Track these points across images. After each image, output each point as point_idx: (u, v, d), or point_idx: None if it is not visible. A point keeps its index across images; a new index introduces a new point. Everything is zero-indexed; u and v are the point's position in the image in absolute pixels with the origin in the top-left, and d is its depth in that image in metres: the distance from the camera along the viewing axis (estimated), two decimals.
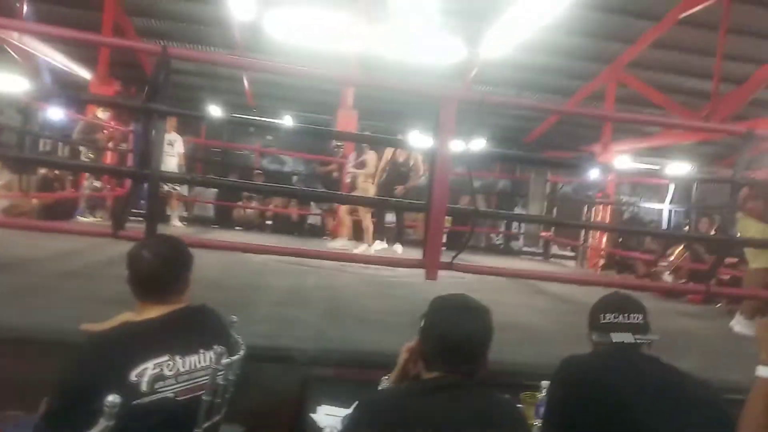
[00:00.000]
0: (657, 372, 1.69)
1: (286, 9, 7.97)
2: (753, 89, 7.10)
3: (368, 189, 6.50)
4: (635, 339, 1.76)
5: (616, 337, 1.76)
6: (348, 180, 6.63)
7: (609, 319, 1.80)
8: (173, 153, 6.83)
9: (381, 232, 6.95)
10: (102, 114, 6.85)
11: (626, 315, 1.80)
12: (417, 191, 6.80)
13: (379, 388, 1.78)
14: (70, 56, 8.61)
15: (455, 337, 1.52)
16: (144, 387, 1.54)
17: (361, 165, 6.63)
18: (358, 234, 7.33)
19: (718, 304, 5.57)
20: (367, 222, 6.66)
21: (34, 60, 8.71)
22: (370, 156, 6.64)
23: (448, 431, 1.40)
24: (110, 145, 7.51)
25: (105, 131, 7.16)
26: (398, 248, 6.69)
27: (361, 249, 6.19)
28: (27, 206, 5.86)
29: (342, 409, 1.95)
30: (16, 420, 2.00)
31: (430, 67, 9.54)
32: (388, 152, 6.80)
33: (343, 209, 6.93)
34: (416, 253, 3.27)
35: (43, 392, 1.69)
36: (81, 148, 7.21)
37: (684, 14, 7.43)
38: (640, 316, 1.81)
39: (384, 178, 6.75)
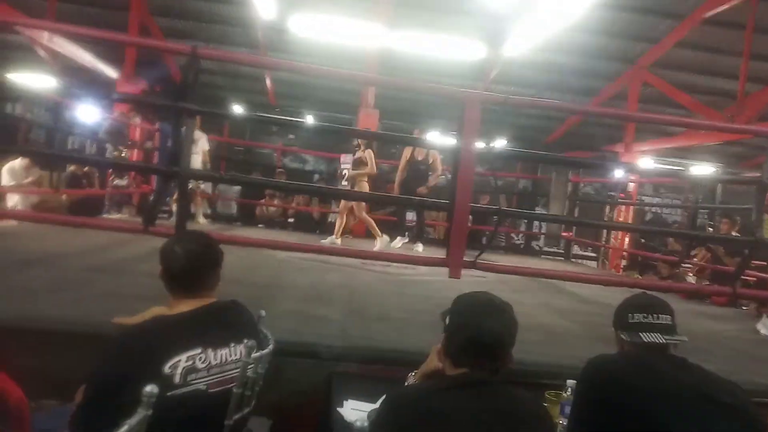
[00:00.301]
0: (685, 374, 1.67)
1: (309, 9, 8.04)
2: None
3: (364, 188, 6.47)
4: (665, 339, 1.75)
5: (647, 337, 1.75)
6: (345, 180, 6.57)
7: (638, 318, 1.79)
8: (197, 150, 6.90)
9: (402, 229, 6.97)
10: (131, 113, 6.95)
11: (655, 315, 1.79)
12: (436, 190, 6.81)
13: (406, 384, 1.81)
14: (97, 55, 8.77)
15: (482, 334, 1.54)
16: (177, 379, 1.58)
17: (357, 163, 6.60)
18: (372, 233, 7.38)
19: (744, 307, 5.50)
20: (365, 217, 6.67)
21: (63, 59, 8.88)
22: (368, 154, 6.63)
23: (473, 428, 1.41)
24: (138, 143, 7.63)
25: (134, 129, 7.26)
26: (419, 247, 6.70)
27: (378, 246, 6.20)
28: (56, 202, 5.99)
29: (367, 404, 1.98)
30: (52, 409, 2.06)
31: (452, 66, 9.55)
32: (407, 151, 6.82)
33: (342, 207, 6.86)
34: (436, 252, 3.30)
35: (76, 383, 1.74)
36: (107, 146, 7.35)
37: (709, 13, 7.34)
38: (669, 317, 1.80)
39: (405, 176, 6.78)
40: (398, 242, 6.62)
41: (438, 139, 11.01)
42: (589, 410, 1.72)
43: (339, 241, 6.65)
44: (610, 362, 1.78)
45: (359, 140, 6.65)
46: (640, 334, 1.76)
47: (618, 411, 1.63)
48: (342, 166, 6.73)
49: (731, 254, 5.99)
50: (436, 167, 6.75)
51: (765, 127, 6.23)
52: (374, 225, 6.56)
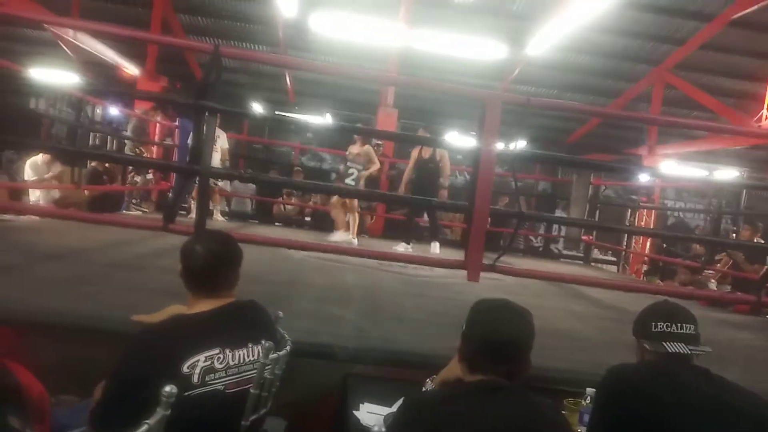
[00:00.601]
0: (706, 386, 1.64)
1: (329, 7, 8.05)
2: None
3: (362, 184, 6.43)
4: (689, 350, 1.71)
5: (670, 347, 1.71)
6: (351, 178, 6.52)
7: (661, 328, 1.75)
8: (216, 148, 6.94)
9: (411, 233, 6.79)
10: (154, 111, 7.02)
11: (679, 324, 1.75)
12: (450, 190, 6.67)
13: (424, 389, 1.79)
14: (119, 52, 8.87)
15: (499, 339, 1.52)
16: (196, 379, 1.58)
17: (358, 159, 6.54)
18: (389, 232, 7.35)
19: None
20: (356, 215, 6.63)
21: (86, 55, 9.00)
22: (367, 150, 6.57)
23: None
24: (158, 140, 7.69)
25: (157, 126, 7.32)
26: (436, 247, 6.60)
27: (399, 248, 6.15)
28: (77, 198, 6.06)
29: (383, 407, 1.97)
30: (71, 405, 2.08)
31: (472, 66, 9.50)
32: (415, 151, 6.73)
33: (335, 203, 6.80)
34: (453, 253, 3.28)
35: (95, 378, 1.75)
36: (127, 143, 7.41)
37: (737, 15, 7.20)
38: (692, 327, 1.76)
39: (412, 176, 6.68)
40: (401, 247, 6.43)
41: (457, 139, 11.02)
42: (607, 419, 1.70)
43: (356, 240, 6.63)
44: (630, 371, 1.75)
45: (357, 136, 6.60)
46: (664, 343, 1.73)
47: (637, 422, 1.61)
48: (348, 165, 6.67)
49: (751, 261, 5.88)
50: (445, 166, 6.58)
51: None
52: (357, 225, 6.64)
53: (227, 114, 6.09)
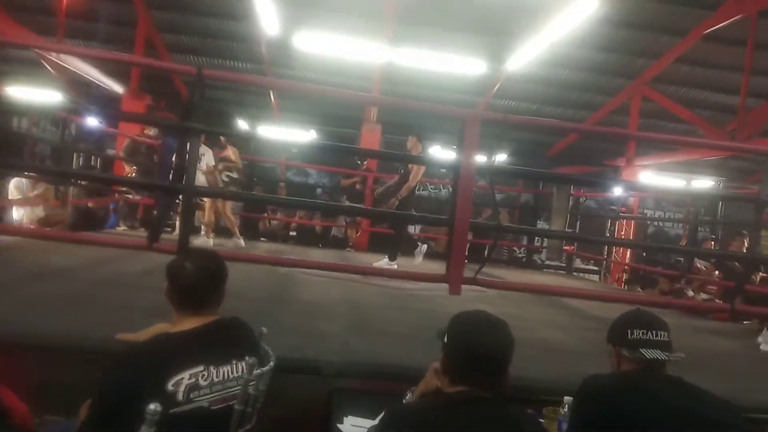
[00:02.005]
0: (680, 397, 1.68)
1: (312, 26, 8.13)
2: None
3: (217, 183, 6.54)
4: (665, 356, 1.76)
5: (648, 353, 1.76)
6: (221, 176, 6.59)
7: (638, 335, 1.80)
8: (202, 167, 6.96)
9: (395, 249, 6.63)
10: (152, 131, 7.02)
11: (654, 332, 1.80)
12: (412, 200, 6.42)
13: (404, 401, 1.83)
14: (103, 71, 8.87)
15: (480, 351, 1.56)
16: (180, 396, 1.61)
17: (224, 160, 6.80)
18: (374, 246, 7.33)
19: (746, 322, 5.50)
20: (229, 216, 6.70)
21: (70, 74, 8.99)
22: (232, 151, 6.87)
23: None
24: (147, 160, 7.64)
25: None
26: (419, 257, 6.58)
27: (380, 262, 6.14)
28: (61, 216, 6.04)
29: (367, 420, 2.00)
30: (56, 425, 2.09)
31: (454, 81, 9.63)
32: (417, 167, 6.58)
33: (207, 205, 6.75)
34: (437, 266, 3.32)
35: (81, 398, 1.76)
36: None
37: (709, 30, 7.41)
38: (666, 334, 1.81)
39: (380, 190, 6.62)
40: (384, 263, 6.26)
41: (440, 152, 11.12)
42: (583, 428, 1.74)
43: (241, 241, 6.80)
44: (605, 381, 1.78)
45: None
46: (641, 350, 1.77)
47: (608, 428, 1.65)
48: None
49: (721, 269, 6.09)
50: (405, 178, 6.18)
51: (764, 143, 6.28)
52: (235, 224, 6.80)
53: (213, 133, 6.13)
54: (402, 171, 6.21)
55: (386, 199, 6.11)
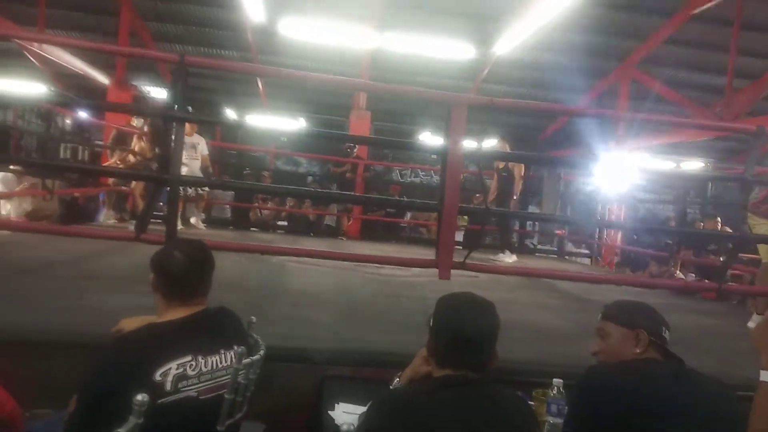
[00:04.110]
0: (683, 388, 1.66)
1: (298, 12, 8.06)
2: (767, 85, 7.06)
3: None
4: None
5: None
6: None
7: (666, 335, 1.81)
8: (197, 155, 6.93)
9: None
10: (136, 122, 6.94)
11: (668, 332, 1.81)
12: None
13: (391, 386, 1.83)
14: (87, 62, 8.77)
15: (465, 331, 1.56)
16: (168, 386, 1.60)
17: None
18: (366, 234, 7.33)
19: (735, 301, 5.55)
20: (138, 200, 6.55)
21: (54, 65, 8.88)
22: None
23: (458, 428, 1.43)
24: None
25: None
26: (506, 257, 6.72)
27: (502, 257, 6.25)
28: (49, 210, 6.00)
29: (359, 407, 2.01)
30: (46, 418, 2.08)
31: (443, 66, 9.60)
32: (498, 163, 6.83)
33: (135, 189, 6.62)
34: (428, 253, 3.32)
35: (70, 391, 1.75)
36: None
37: (697, 10, 7.40)
38: (665, 329, 1.81)
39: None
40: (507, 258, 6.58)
41: (430, 139, 11.11)
42: (585, 417, 1.69)
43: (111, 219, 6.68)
44: (610, 371, 1.76)
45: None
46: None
47: (614, 421, 1.62)
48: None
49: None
50: (517, 175, 6.78)
51: (753, 122, 6.30)
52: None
53: (198, 122, 6.08)
54: (504, 173, 6.65)
55: (505, 203, 6.58)
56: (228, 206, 9.68)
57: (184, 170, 6.72)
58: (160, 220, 6.12)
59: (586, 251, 10.08)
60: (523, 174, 6.73)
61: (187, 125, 6.86)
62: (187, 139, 6.94)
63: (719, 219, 6.55)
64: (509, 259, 6.60)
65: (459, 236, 7.93)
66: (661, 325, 1.82)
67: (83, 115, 8.33)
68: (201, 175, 6.71)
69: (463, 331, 1.57)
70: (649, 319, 1.83)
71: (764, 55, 8.01)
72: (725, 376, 1.86)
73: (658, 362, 1.74)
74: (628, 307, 1.89)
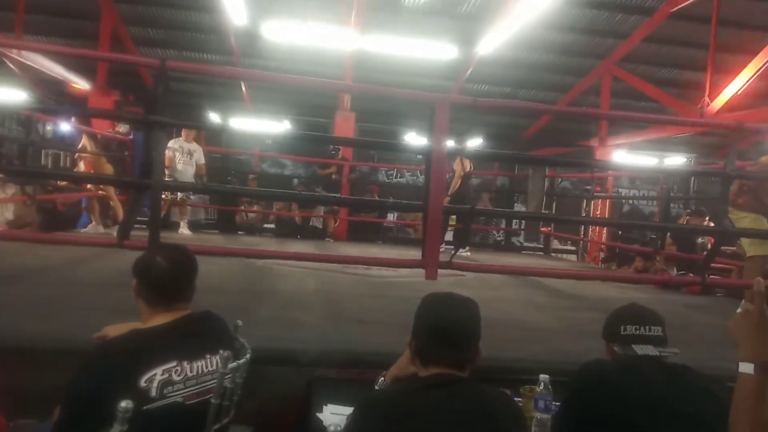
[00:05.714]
0: (676, 388, 1.65)
1: (281, 15, 8.05)
2: (746, 80, 7.14)
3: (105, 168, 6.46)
4: (658, 352, 1.75)
5: (640, 349, 1.74)
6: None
7: (630, 331, 1.78)
8: (191, 163, 6.94)
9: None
10: (122, 128, 6.89)
11: (647, 327, 1.78)
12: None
13: (376, 386, 1.83)
14: (68, 68, 8.68)
15: (442, 324, 1.58)
16: (153, 392, 1.59)
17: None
18: (353, 235, 7.32)
19: (719, 294, 5.61)
20: (115, 202, 6.57)
21: (33, 71, 8.77)
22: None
23: (444, 427, 1.43)
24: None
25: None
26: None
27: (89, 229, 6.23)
28: (31, 218, 5.93)
29: (347, 408, 2.00)
30: (31, 427, 2.05)
31: (426, 66, 9.62)
32: (458, 164, 6.93)
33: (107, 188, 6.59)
34: (415, 254, 3.34)
35: (55, 400, 1.73)
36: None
37: (675, 8, 7.50)
38: (660, 329, 1.79)
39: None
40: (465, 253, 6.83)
41: (414, 139, 11.13)
42: (578, 413, 1.71)
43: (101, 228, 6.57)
44: (606, 367, 1.76)
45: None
46: (633, 346, 1.75)
47: (606, 417, 1.62)
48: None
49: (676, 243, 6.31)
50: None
51: (734, 118, 6.39)
52: (120, 211, 6.48)
53: (180, 126, 6.05)
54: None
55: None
56: (203, 209, 9.63)
57: (177, 174, 6.74)
58: (143, 225, 6.11)
59: (573, 248, 10.16)
60: (464, 173, 6.93)
61: (184, 131, 6.95)
62: (185, 145, 6.96)
63: (708, 217, 6.62)
64: (466, 253, 6.94)
65: (450, 236, 7.98)
66: (618, 326, 1.81)
67: (65, 121, 8.22)
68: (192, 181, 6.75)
69: (438, 324, 1.59)
70: (606, 327, 1.86)
71: (743, 51, 8.10)
72: (711, 368, 1.87)
73: (652, 358, 1.74)
74: (607, 318, 1.91)
